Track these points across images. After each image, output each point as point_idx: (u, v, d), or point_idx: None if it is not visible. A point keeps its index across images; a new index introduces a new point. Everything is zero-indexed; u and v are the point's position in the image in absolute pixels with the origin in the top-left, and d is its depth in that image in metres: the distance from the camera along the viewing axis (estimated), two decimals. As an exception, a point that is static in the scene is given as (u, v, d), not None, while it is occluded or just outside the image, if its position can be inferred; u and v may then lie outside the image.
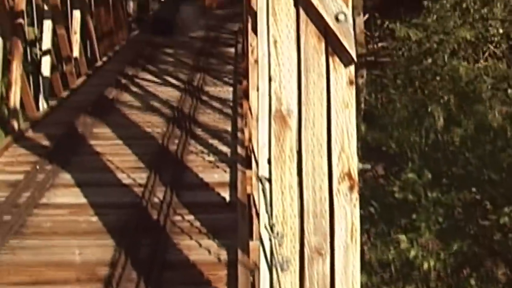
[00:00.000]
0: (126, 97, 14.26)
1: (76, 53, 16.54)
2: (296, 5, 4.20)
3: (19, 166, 9.74)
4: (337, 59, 4.21)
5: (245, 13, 18.77)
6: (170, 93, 14.57)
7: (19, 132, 11.35)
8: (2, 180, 9.23)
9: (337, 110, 4.20)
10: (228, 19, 29.71)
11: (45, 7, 14.71)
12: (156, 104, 13.58)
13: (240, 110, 12.66)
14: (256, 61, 9.42)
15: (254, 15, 9.38)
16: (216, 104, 13.52)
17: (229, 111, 12.95)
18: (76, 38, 16.70)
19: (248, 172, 8.87)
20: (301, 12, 4.18)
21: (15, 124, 11.70)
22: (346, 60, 4.19)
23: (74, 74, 15.99)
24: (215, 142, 10.66)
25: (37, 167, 9.48)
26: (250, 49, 11.28)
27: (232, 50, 21.05)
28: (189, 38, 23.43)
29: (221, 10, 34.18)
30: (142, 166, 9.53)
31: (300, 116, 4.19)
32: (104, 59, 18.88)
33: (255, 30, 9.42)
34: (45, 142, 10.87)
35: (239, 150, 9.96)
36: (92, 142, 10.77)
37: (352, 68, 4.23)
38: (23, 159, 10.10)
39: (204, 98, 14.07)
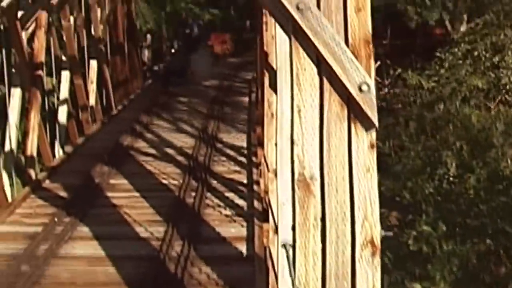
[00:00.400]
0: (141, 144, 14.42)
1: (92, 101, 16.73)
2: (320, 74, 4.31)
3: (37, 218, 9.82)
4: (359, 125, 4.31)
5: (259, 64, 19.04)
6: (184, 140, 14.72)
7: (37, 182, 11.45)
8: (21, 231, 9.31)
9: (359, 175, 4.29)
10: (240, 68, 30.06)
11: (63, 58, 14.90)
12: (171, 152, 13.71)
13: (255, 159, 12.76)
14: (273, 115, 9.59)
15: (273, 72, 9.55)
16: (230, 152, 13.63)
17: (243, 159, 13.06)
18: (92, 87, 16.91)
19: (265, 225, 8.92)
20: (325, 81, 4.29)
21: (32, 173, 11.79)
22: (367, 125, 4.29)
23: (90, 122, 16.16)
24: (231, 195, 10.71)
25: (56, 219, 9.57)
26: (266, 102, 11.43)
27: (246, 99, 21.26)
28: (204, 87, 23.69)
29: (234, 59, 34.57)
30: (159, 219, 9.59)
31: (323, 180, 4.27)
32: (120, 107, 19.06)
33: (273, 87, 9.58)
34: (63, 193, 10.96)
35: (256, 203, 10.02)
36: (109, 193, 10.84)
37: (373, 133, 4.32)
38: (41, 210, 10.18)
39: (219, 145, 14.19)
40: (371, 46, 4.36)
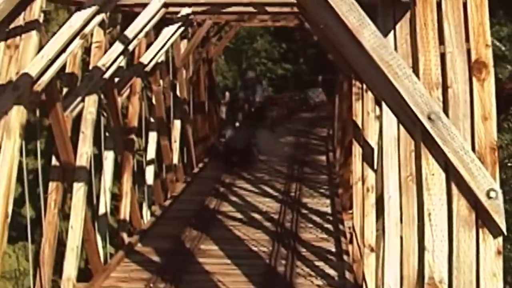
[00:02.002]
0: (227, 208, 14.61)
1: (175, 160, 17.09)
2: (448, 180, 4.46)
3: (132, 283, 10.08)
4: (486, 231, 4.44)
5: (337, 124, 19.27)
6: (269, 205, 14.88)
7: (129, 246, 11.73)
8: (118, 297, 9.60)
9: (485, 280, 4.42)
10: (315, 124, 30.21)
11: (151, 120, 15.33)
12: (257, 216, 13.88)
13: (341, 227, 12.89)
14: (369, 190, 9.72)
15: (369, 149, 9.72)
16: (316, 218, 13.75)
17: (329, 226, 13.17)
18: (176, 147, 17.27)
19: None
20: (453, 187, 4.44)
21: (125, 237, 12.11)
22: (495, 232, 4.43)
23: (174, 182, 16.51)
24: (321, 264, 10.83)
25: (151, 285, 9.82)
26: (355, 175, 11.60)
27: (323, 158, 21.42)
28: (281, 144, 23.86)
29: (308, 114, 34.81)
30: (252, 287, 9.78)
31: (451, 284, 4.41)
32: (200, 165, 19.39)
33: (367, 161, 9.74)
34: (155, 258, 11.21)
35: (347, 274, 10.14)
36: (201, 259, 11.05)
37: (500, 239, 4.46)
38: (136, 275, 10.43)
39: (304, 211, 14.34)
40: (496, 153, 4.51)
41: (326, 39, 12.61)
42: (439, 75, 4.63)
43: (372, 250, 9.46)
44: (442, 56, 4.66)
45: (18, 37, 7.65)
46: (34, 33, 7.64)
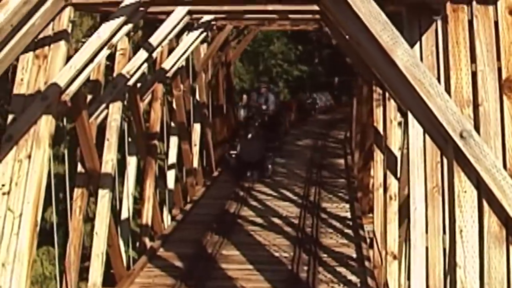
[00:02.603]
0: (247, 212, 14.69)
1: (195, 164, 17.18)
2: (479, 197, 4.53)
3: (157, 289, 10.21)
4: (516, 247, 4.51)
5: (355, 127, 19.33)
6: (289, 209, 14.95)
7: (152, 251, 11.83)
8: (143, 303, 9.70)
9: (517, 295, 4.48)
10: (331, 126, 30.29)
11: (172, 124, 15.43)
12: (277, 221, 13.96)
13: (362, 233, 12.94)
14: (392, 198, 9.77)
15: (393, 157, 9.78)
16: (336, 223, 13.81)
17: (349, 231, 13.23)
18: (196, 150, 17.36)
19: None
20: (485, 203, 4.51)
21: (147, 242, 12.21)
22: (525, 248, 4.49)
23: (194, 186, 16.60)
24: (342, 270, 10.89)
25: (176, 291, 9.93)
26: (376, 181, 11.67)
27: (342, 161, 21.48)
28: (299, 147, 23.92)
29: (323, 115, 34.89)
30: (276, 294, 9.87)
31: (483, 300, 4.48)
32: (219, 168, 19.47)
33: (390, 169, 9.80)
34: (178, 263, 11.30)
35: (369, 281, 10.20)
36: (223, 265, 11.13)
37: (529, 255, 4.53)
38: (160, 281, 10.53)
39: (323, 215, 14.40)
40: (527, 170, 4.58)
41: (345, 42, 12.67)
42: (470, 93, 4.71)
43: (395, 257, 9.54)
44: (473, 74, 4.73)
45: (46, 47, 7.74)
46: (62, 43, 7.73)
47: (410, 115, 6.17)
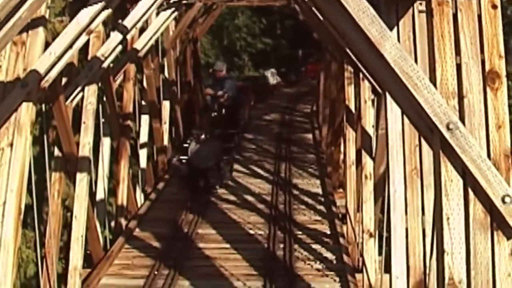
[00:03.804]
0: (220, 189, 14.76)
1: (165, 142, 17.23)
2: (465, 186, 4.71)
3: (136, 270, 10.31)
4: (500, 233, 4.71)
5: (322, 101, 19.45)
6: (260, 186, 15.10)
7: (128, 231, 11.92)
8: (123, 284, 9.82)
9: (501, 280, 4.69)
10: (296, 99, 30.42)
11: (143, 103, 15.46)
12: (250, 198, 14.11)
13: (335, 209, 13.14)
14: (367, 177, 9.95)
15: (368, 137, 9.95)
16: (308, 199, 14.01)
17: (322, 208, 13.43)
18: (165, 128, 17.41)
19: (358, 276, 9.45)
20: (470, 192, 4.69)
21: (123, 223, 12.29)
22: (509, 234, 4.69)
23: (166, 164, 16.66)
24: (317, 247, 11.10)
25: (155, 272, 10.03)
26: (349, 158, 11.87)
27: (309, 136, 21.67)
28: (267, 121, 24.02)
29: (288, 89, 35.00)
30: (254, 273, 10.02)
31: (469, 284, 4.67)
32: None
33: (365, 149, 9.97)
34: (155, 243, 11.43)
35: (345, 258, 10.41)
36: (201, 244, 11.29)
37: (513, 241, 4.73)
38: (139, 262, 10.65)
39: (295, 192, 14.58)
40: (510, 159, 4.76)
41: (316, 21, 12.77)
42: (455, 85, 4.85)
43: (371, 235, 9.76)
44: (458, 67, 4.88)
45: (24, 34, 7.73)
46: (41, 29, 7.71)
47: (388, 98, 6.30)
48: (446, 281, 4.66)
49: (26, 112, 7.66)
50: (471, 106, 4.79)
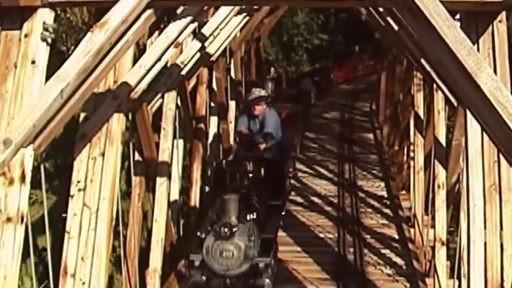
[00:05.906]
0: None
1: (231, 141, 17.53)
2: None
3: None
4: None
5: (383, 108, 19.50)
6: (326, 187, 15.33)
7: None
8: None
9: None
10: (355, 97, 30.50)
11: (212, 104, 15.78)
12: (317, 200, 14.34)
13: (401, 213, 13.33)
14: (440, 186, 10.09)
15: (442, 148, 10.12)
16: (374, 202, 14.20)
17: (388, 211, 13.63)
18: (232, 128, 17.69)
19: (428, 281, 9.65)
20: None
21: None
22: None
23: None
24: (387, 252, 11.31)
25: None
26: (417, 164, 12.04)
27: (370, 135, 21.80)
28: (328, 120, 24.20)
29: (346, 85, 35.09)
30: (327, 277, 10.28)
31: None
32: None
33: (439, 159, 10.14)
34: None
35: (415, 263, 10.62)
36: (273, 247, 11.53)
37: None
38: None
39: (360, 194, 14.79)
40: None
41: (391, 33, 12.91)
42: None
43: (443, 244, 9.95)
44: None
45: (115, 47, 8.09)
46: (130, 43, 8.07)
47: (469, 115, 6.50)
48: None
49: (117, 122, 8.00)
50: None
